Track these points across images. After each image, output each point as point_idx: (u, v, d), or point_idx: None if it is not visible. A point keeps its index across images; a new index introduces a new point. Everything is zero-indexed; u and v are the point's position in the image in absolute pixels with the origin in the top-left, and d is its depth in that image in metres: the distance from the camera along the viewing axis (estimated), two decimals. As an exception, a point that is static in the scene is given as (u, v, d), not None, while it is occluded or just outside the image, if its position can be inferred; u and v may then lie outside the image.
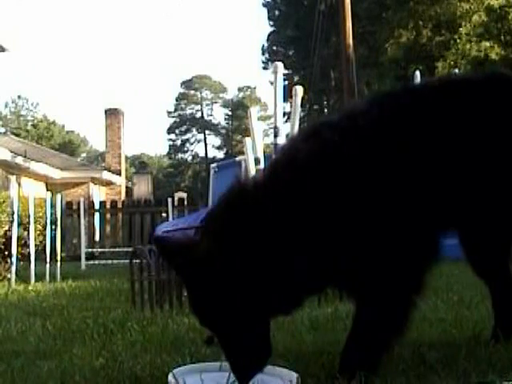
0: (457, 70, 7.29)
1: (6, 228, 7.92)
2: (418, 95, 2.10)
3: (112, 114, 24.69)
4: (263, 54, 39.08)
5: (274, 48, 38.41)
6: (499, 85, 2.13)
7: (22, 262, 7.98)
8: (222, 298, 1.72)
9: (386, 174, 1.87)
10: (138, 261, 4.36)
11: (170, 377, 1.87)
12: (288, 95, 5.70)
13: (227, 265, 1.72)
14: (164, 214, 14.09)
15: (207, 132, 56.06)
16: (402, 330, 1.87)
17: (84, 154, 56.86)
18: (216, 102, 56.76)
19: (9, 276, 7.56)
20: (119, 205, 15.74)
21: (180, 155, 56.63)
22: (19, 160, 18.86)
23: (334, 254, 1.81)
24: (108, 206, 15.56)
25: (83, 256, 12.43)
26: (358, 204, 1.82)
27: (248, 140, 5.81)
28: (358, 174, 1.84)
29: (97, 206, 15.27)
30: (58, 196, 9.79)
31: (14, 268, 7.48)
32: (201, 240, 1.78)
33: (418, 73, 6.61)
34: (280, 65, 4.94)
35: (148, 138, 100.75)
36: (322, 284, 1.94)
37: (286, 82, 24.68)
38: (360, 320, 1.89)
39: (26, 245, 7.95)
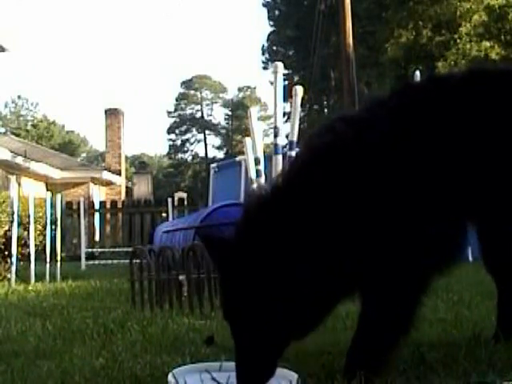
0: (457, 70, 7.28)
1: (6, 228, 7.92)
2: (437, 87, 2.08)
3: (112, 114, 24.71)
4: (263, 54, 39.13)
5: (274, 48, 38.41)
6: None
7: (22, 262, 7.98)
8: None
9: (407, 167, 1.85)
10: (137, 261, 4.35)
11: (170, 377, 1.87)
12: (288, 95, 5.70)
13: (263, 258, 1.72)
14: (164, 214, 14.11)
15: (207, 132, 56.04)
16: (407, 327, 1.86)
17: (84, 154, 56.89)
18: (216, 102, 56.78)
19: (9, 276, 7.55)
20: (119, 205, 15.74)
21: (180, 155, 56.61)
22: (19, 160, 18.87)
23: (351, 249, 1.80)
24: (108, 205, 15.57)
25: (83, 256, 12.42)
26: (373, 199, 1.81)
27: (248, 140, 5.81)
28: (375, 167, 1.83)
29: (97, 206, 15.28)
30: (58, 196, 9.78)
31: (14, 268, 7.48)
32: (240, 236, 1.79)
33: (417, 73, 6.60)
34: (280, 65, 4.93)
35: (148, 138, 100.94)
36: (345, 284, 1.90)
37: (286, 82, 24.71)
38: (365, 319, 1.88)
39: (26, 245, 7.95)
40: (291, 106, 5.11)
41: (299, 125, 4.93)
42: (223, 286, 1.82)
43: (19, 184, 17.57)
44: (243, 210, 1.86)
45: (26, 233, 7.99)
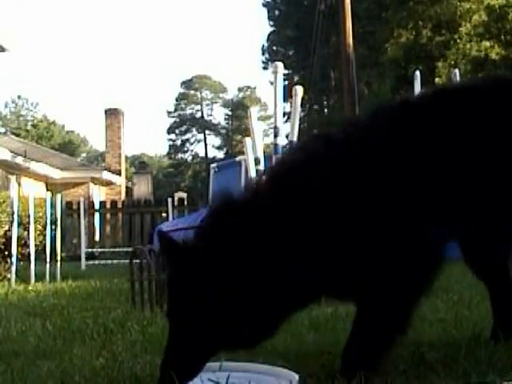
0: (457, 70, 7.28)
1: (6, 228, 7.92)
2: (415, 105, 2.12)
3: (112, 114, 24.69)
4: (263, 54, 39.15)
5: (274, 48, 38.43)
6: (498, 89, 2.14)
7: (22, 262, 7.98)
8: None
9: (388, 177, 1.88)
10: (137, 261, 4.35)
11: (170, 377, 1.87)
12: (288, 95, 5.70)
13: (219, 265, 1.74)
14: (164, 214, 14.11)
15: (207, 132, 56.05)
16: (404, 327, 1.87)
17: (84, 154, 56.88)
18: (216, 102, 56.79)
19: (9, 276, 7.56)
20: (119, 205, 15.75)
21: (180, 155, 56.62)
22: (19, 160, 18.86)
23: (340, 254, 1.81)
24: (108, 206, 15.57)
25: (83, 256, 12.43)
26: (361, 206, 1.82)
27: (248, 140, 5.81)
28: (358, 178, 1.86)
29: (97, 206, 15.28)
30: (58, 196, 9.79)
31: (14, 268, 7.48)
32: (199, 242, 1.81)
33: (417, 73, 6.61)
34: (280, 65, 4.94)
35: (148, 138, 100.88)
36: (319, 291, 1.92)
37: (286, 82, 24.70)
38: (361, 318, 1.89)
39: (26, 245, 7.96)
40: (291, 106, 5.12)
41: (299, 125, 4.94)
42: (173, 283, 1.85)
43: (19, 184, 17.57)
44: (211, 210, 1.87)
45: (25, 233, 8.00)
